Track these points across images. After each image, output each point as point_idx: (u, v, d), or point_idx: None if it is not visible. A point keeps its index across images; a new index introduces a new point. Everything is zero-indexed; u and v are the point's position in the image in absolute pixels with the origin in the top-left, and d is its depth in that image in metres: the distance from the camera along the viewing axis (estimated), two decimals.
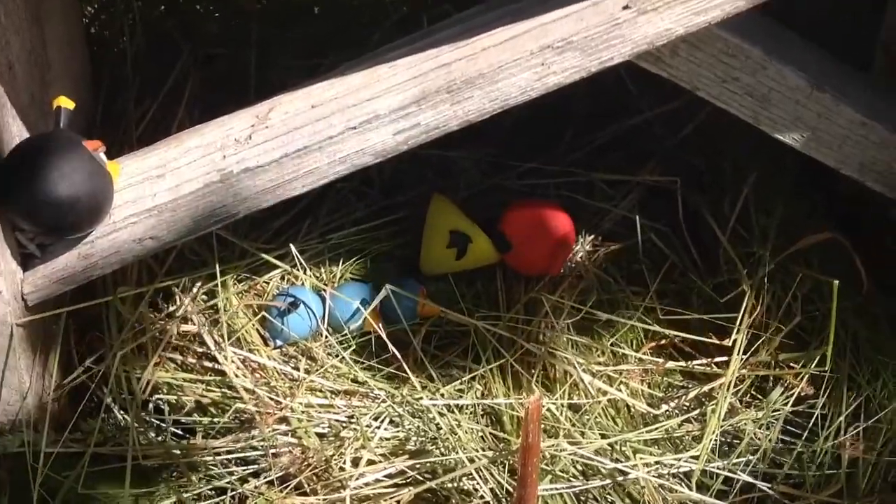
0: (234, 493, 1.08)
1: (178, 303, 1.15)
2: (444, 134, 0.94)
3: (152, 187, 0.98)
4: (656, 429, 1.11)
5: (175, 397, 1.13)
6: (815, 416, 1.13)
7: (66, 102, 0.98)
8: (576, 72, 0.91)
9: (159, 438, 1.11)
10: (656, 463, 1.08)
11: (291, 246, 1.12)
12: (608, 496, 1.07)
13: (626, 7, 0.88)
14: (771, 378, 1.18)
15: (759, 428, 1.14)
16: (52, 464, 1.03)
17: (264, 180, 0.97)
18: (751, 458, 1.10)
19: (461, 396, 1.14)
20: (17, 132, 0.99)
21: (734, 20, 1.01)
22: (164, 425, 1.12)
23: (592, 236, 1.32)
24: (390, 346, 1.14)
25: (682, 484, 1.08)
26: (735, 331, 1.15)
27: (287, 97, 0.98)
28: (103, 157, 0.98)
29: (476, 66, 0.91)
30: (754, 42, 1.02)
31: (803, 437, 1.13)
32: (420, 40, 0.96)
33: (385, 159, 0.96)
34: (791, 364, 1.17)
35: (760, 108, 1.06)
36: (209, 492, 1.09)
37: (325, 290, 1.18)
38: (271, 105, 0.98)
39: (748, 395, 1.19)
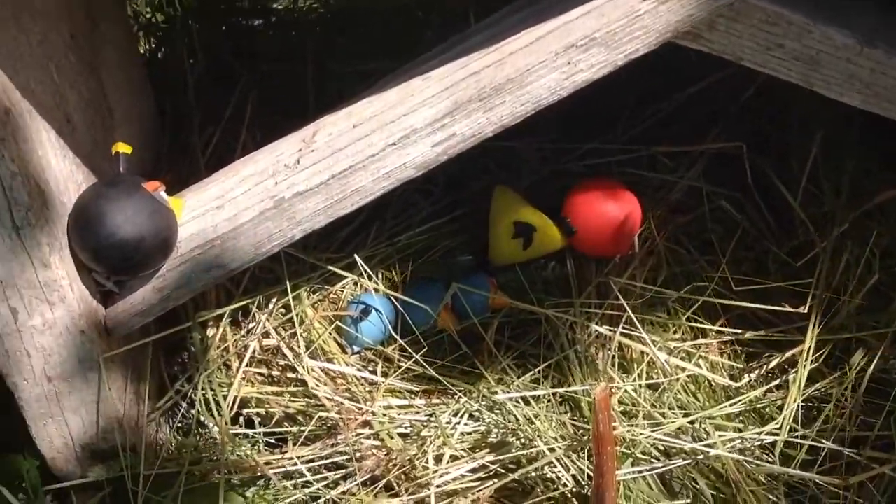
0: (326, 498, 1.12)
1: (257, 319, 1.19)
2: (482, 140, 0.95)
3: (213, 219, 1.02)
4: (738, 402, 1.10)
5: (263, 410, 1.18)
6: None
7: (123, 148, 1.02)
8: (602, 67, 0.91)
9: (254, 450, 1.16)
10: (738, 438, 1.07)
11: (356, 256, 1.15)
12: (691, 474, 1.07)
13: None
14: (853, 340, 1.15)
15: (845, 392, 1.12)
16: (150, 485, 1.08)
17: (315, 202, 1.00)
18: (837, 422, 1.09)
19: (536, 387, 1.16)
20: (84, 179, 1.04)
21: None
22: (256, 437, 1.17)
23: (661, 210, 1.31)
24: (461, 343, 1.16)
25: (768, 456, 1.07)
26: (810, 296, 1.13)
27: (330, 118, 1.01)
28: (164, 195, 1.02)
29: (504, 72, 0.92)
30: (794, 7, 0.99)
31: (890, 399, 1.11)
32: (451, 49, 0.97)
33: (427, 170, 0.97)
34: (873, 324, 1.14)
35: (811, 71, 1.03)
36: (303, 498, 1.13)
37: (394, 294, 1.20)
38: (315, 128, 1.01)
39: (832, 359, 1.17)
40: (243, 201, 1.01)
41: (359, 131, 0.97)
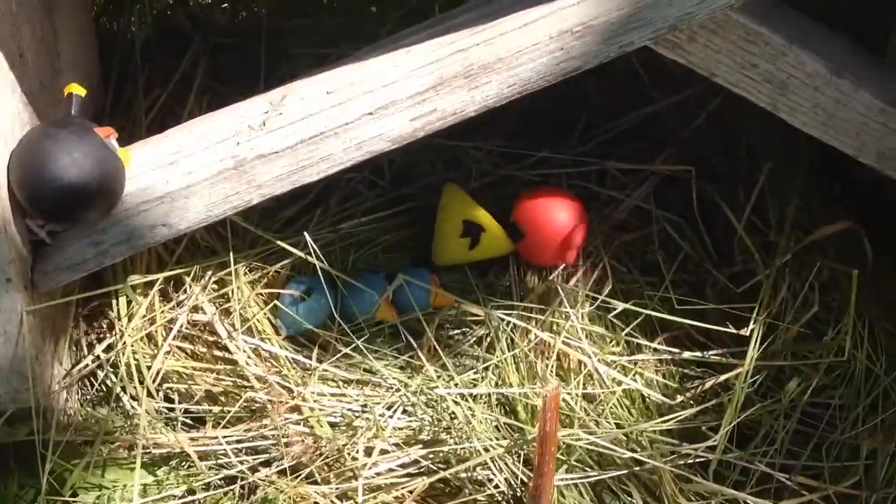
0: (244, 482, 1.07)
1: (189, 292, 1.14)
2: (461, 120, 0.93)
3: (165, 174, 0.97)
4: (672, 419, 1.10)
5: (185, 386, 1.12)
6: (832, 406, 1.12)
7: (77, 89, 0.97)
8: (595, 56, 0.90)
9: (169, 428, 1.10)
10: (673, 453, 1.07)
11: (305, 234, 1.11)
12: (624, 486, 1.06)
13: None
14: (788, 369, 1.17)
15: (776, 419, 1.13)
16: (60, 452, 1.02)
17: (279, 167, 0.96)
18: (767, 448, 1.09)
19: (475, 386, 1.13)
20: (28, 119, 0.98)
21: (755, 6, 1.01)
22: (174, 414, 1.11)
23: (607, 226, 1.31)
24: (405, 333, 1.13)
25: (699, 474, 1.07)
26: (752, 321, 1.14)
27: (302, 83, 0.97)
28: (115, 143, 0.97)
29: (494, 51, 0.90)
30: (774, 28, 1.01)
31: (820, 428, 1.12)
32: (438, 25, 0.95)
33: (400, 146, 0.94)
34: (807, 354, 1.16)
35: (779, 95, 1.05)
36: (219, 481, 1.08)
37: (337, 279, 1.16)
38: (285, 91, 0.97)
39: (764, 386, 1.18)
40: (201, 158, 0.97)
41: (334, 98, 0.93)
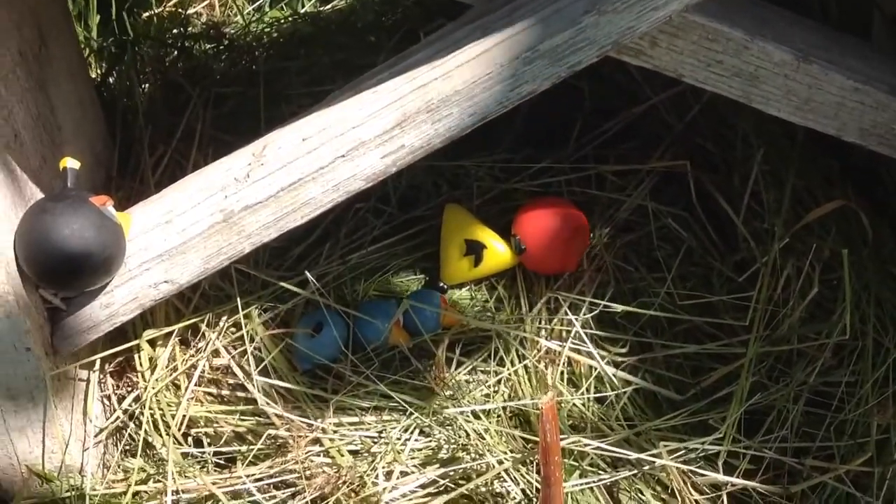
0: None
1: (206, 338, 1.19)
2: (431, 152, 0.96)
3: (161, 233, 1.03)
4: (679, 414, 1.12)
5: (212, 429, 1.17)
6: (841, 385, 1.13)
7: (71, 162, 1.02)
8: (547, 79, 0.93)
9: (203, 471, 1.15)
10: (682, 448, 1.09)
11: (307, 272, 1.15)
12: (637, 485, 1.08)
13: (586, 11, 0.89)
14: (795, 352, 1.18)
15: (787, 403, 1.13)
16: None
17: (265, 215, 1.00)
18: (779, 434, 1.10)
19: (487, 401, 1.16)
20: (31, 195, 1.04)
21: (712, 4, 1.02)
22: (205, 457, 1.16)
23: (609, 228, 1.33)
24: (412, 359, 1.17)
25: (711, 466, 1.09)
26: (751, 309, 1.15)
27: (279, 132, 1.01)
28: (112, 210, 1.02)
29: (452, 84, 0.93)
30: (733, 24, 1.02)
31: (832, 408, 1.13)
32: (399, 63, 0.98)
33: (376, 182, 0.98)
34: (814, 336, 1.16)
35: (750, 87, 1.06)
36: None
37: (346, 311, 1.20)
38: (265, 142, 1.01)
39: (776, 371, 1.19)
40: (192, 215, 1.01)
41: (308, 144, 0.98)
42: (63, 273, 0.98)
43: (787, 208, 1.25)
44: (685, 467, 1.06)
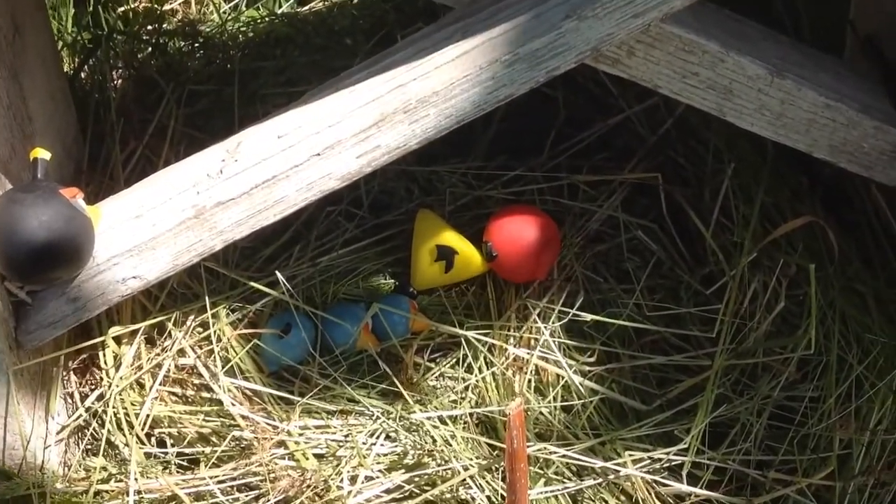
0: None
1: (172, 336, 1.18)
2: (406, 153, 0.96)
3: (131, 227, 1.01)
4: (644, 424, 1.12)
5: (176, 430, 1.16)
6: (805, 399, 1.14)
7: (42, 153, 1.01)
8: (525, 83, 0.93)
9: (165, 472, 1.13)
10: (647, 458, 1.09)
11: (277, 273, 1.14)
12: (602, 494, 1.09)
13: (567, 16, 0.90)
14: (760, 365, 1.19)
15: (751, 416, 1.14)
16: None
17: (237, 212, 1.00)
18: (742, 446, 1.11)
19: (454, 407, 1.16)
20: (0, 185, 1.02)
21: (689, 17, 1.03)
22: (168, 458, 1.15)
23: (580, 238, 1.34)
24: (381, 362, 1.16)
25: (675, 477, 1.09)
26: (718, 322, 1.16)
27: (254, 129, 1.01)
28: (81, 202, 1.01)
29: (430, 85, 0.93)
30: (710, 36, 1.03)
31: (795, 422, 1.14)
32: (378, 63, 0.98)
33: (350, 182, 0.98)
34: (778, 350, 1.18)
35: (724, 100, 1.07)
36: None
37: (315, 314, 1.20)
38: (240, 138, 1.01)
39: (741, 384, 1.20)
40: (163, 210, 1.01)
41: (283, 142, 0.97)
42: (30, 265, 0.97)
43: (756, 223, 1.26)
44: (650, 477, 1.07)
